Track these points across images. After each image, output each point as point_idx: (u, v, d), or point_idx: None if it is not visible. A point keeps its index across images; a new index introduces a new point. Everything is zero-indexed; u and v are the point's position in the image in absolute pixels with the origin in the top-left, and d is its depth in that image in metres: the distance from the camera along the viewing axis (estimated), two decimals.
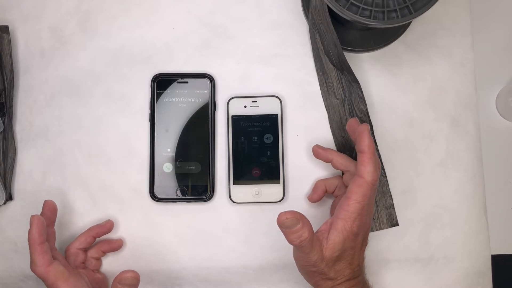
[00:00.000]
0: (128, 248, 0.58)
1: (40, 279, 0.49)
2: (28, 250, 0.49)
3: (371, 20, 0.47)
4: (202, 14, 0.60)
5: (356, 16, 0.47)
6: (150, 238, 0.58)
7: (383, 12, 0.47)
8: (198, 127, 0.58)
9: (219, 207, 0.58)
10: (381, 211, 0.57)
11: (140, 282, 0.51)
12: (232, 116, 0.58)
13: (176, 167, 0.58)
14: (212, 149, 0.58)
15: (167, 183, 0.58)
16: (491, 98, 0.62)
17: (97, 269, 0.57)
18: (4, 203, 0.58)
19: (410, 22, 0.59)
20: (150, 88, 0.59)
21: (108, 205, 0.58)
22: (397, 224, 0.57)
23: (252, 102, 0.58)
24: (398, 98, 0.59)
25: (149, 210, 0.58)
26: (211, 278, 0.58)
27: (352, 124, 0.52)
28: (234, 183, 0.57)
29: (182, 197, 0.57)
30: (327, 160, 0.55)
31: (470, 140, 0.58)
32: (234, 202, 0.57)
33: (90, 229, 0.56)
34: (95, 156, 0.59)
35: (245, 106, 0.58)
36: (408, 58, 0.59)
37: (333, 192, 0.56)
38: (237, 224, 0.58)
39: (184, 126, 0.58)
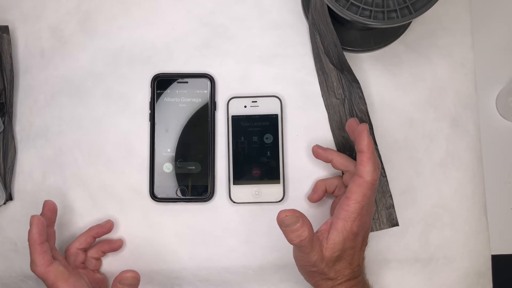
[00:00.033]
0: (128, 248, 0.58)
1: (40, 279, 0.49)
2: (28, 250, 0.49)
3: (371, 20, 0.47)
4: (202, 14, 0.60)
5: (356, 16, 0.47)
6: (150, 238, 0.58)
7: (383, 12, 0.47)
8: (198, 127, 0.58)
9: (219, 207, 0.58)
10: (381, 211, 0.57)
11: (140, 282, 0.51)
12: (232, 116, 0.58)
13: (176, 167, 0.58)
14: (212, 149, 0.58)
15: (167, 183, 0.58)
16: (491, 98, 0.62)
17: (97, 269, 0.57)
18: (4, 203, 0.58)
19: (410, 22, 0.59)
20: (150, 88, 0.59)
21: (108, 205, 0.58)
22: (397, 224, 0.57)
23: (252, 102, 0.58)
24: (398, 98, 0.59)
25: (149, 210, 0.58)
26: (211, 278, 0.58)
27: (352, 124, 0.52)
28: (234, 183, 0.57)
29: (182, 197, 0.57)
30: (327, 160, 0.55)
31: (470, 140, 0.58)
32: (234, 202, 0.57)
33: (90, 229, 0.56)
34: (95, 156, 0.59)
35: (245, 106, 0.58)
36: (408, 58, 0.59)
37: (333, 192, 0.56)
38: (237, 224, 0.58)
39: (184, 126, 0.58)
